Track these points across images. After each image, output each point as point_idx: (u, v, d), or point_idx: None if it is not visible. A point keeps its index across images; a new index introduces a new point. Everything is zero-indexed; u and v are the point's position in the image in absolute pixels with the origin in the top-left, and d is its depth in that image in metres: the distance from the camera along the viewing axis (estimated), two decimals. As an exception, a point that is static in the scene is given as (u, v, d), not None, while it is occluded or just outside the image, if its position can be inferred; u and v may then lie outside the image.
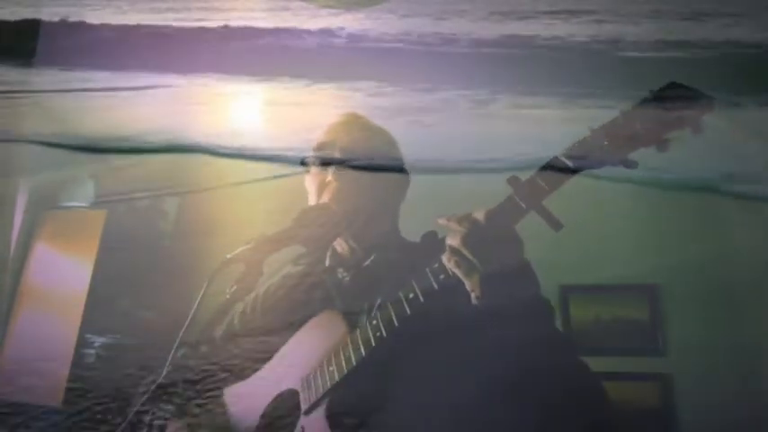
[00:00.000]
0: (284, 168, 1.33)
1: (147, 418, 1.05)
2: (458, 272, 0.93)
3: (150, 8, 1.67)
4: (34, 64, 1.64)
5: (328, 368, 1.01)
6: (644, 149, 0.89)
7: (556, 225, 0.92)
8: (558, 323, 1.81)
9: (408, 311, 0.96)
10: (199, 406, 1.10)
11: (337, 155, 1.19)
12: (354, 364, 0.98)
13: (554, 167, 0.92)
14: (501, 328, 0.92)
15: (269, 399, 1.07)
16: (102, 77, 1.58)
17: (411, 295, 0.97)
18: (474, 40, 1.50)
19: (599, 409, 0.99)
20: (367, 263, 1.15)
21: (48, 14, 1.68)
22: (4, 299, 2.00)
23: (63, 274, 2.05)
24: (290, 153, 1.28)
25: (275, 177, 1.39)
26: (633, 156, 0.89)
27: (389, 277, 1.03)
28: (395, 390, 0.96)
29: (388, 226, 1.22)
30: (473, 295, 0.93)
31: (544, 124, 0.93)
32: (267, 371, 1.12)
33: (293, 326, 1.12)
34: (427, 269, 0.97)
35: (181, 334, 1.06)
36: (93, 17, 1.67)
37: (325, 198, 1.16)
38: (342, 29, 1.57)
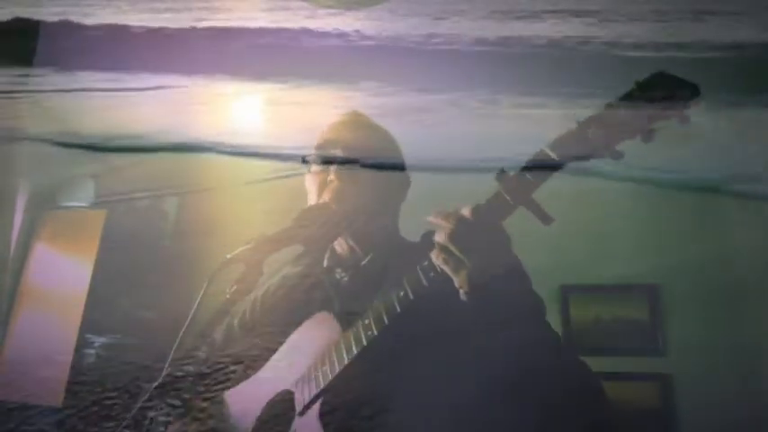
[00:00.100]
0: (285, 168, 1.33)
1: (150, 414, 1.05)
2: (446, 268, 0.93)
3: (150, 8, 1.67)
4: (34, 64, 1.64)
5: (321, 369, 1.01)
6: (630, 140, 0.89)
7: (546, 219, 0.92)
8: (558, 323, 1.82)
9: (399, 310, 0.96)
10: (206, 400, 1.11)
11: (339, 153, 1.19)
12: (346, 363, 0.98)
13: (540, 161, 0.92)
14: (492, 325, 0.92)
15: (266, 400, 1.08)
16: (101, 78, 1.58)
17: (402, 293, 0.97)
18: (474, 39, 1.50)
19: (598, 408, 0.99)
20: (364, 262, 1.15)
21: (47, 14, 1.68)
22: (4, 299, 2.00)
23: (63, 274, 2.05)
24: (290, 152, 1.28)
25: (275, 178, 1.39)
26: (620, 147, 0.89)
27: (388, 277, 1.03)
28: (389, 389, 0.96)
29: (389, 226, 1.22)
30: (461, 291, 0.93)
31: (544, 124, 0.93)
32: (264, 372, 1.12)
33: (293, 326, 1.12)
34: (418, 267, 0.97)
35: (181, 334, 1.06)
36: (93, 17, 1.67)
37: (326, 198, 1.16)
38: (342, 29, 1.57)
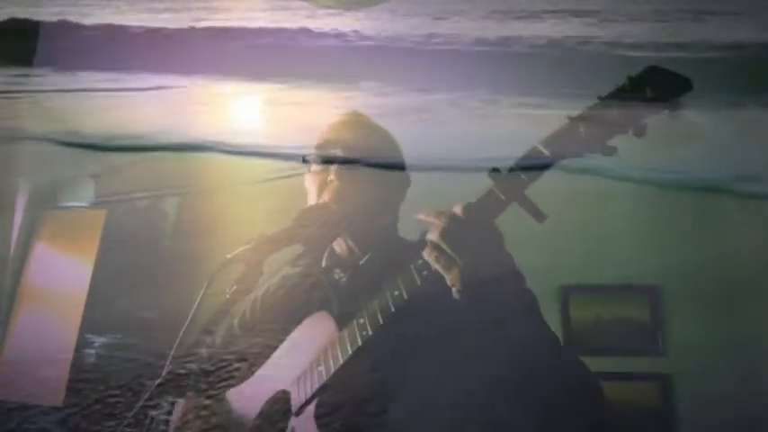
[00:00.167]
0: (285, 168, 1.33)
1: (151, 413, 1.05)
2: (438, 267, 0.93)
3: (149, 8, 1.67)
4: (34, 64, 1.64)
5: (318, 368, 1.01)
6: (623, 135, 0.88)
7: (539, 216, 0.92)
8: (558, 323, 1.82)
9: (393, 309, 0.96)
10: (209, 397, 1.11)
11: (339, 153, 1.19)
12: (341, 363, 0.98)
13: (533, 158, 0.91)
14: (486, 324, 0.92)
15: (264, 399, 1.08)
16: (101, 78, 1.58)
17: (396, 293, 0.97)
18: (474, 39, 1.50)
19: (598, 408, 0.98)
20: (362, 262, 1.15)
21: (47, 14, 1.68)
22: (4, 299, 2.00)
23: (63, 274, 2.05)
24: (291, 151, 1.28)
25: (276, 178, 1.39)
26: (612, 143, 0.89)
27: (386, 276, 1.03)
28: (384, 389, 0.96)
29: (388, 226, 1.22)
30: (454, 290, 0.93)
31: (545, 124, 0.93)
32: (263, 371, 1.12)
33: (293, 326, 1.12)
34: (411, 266, 0.97)
35: (181, 334, 1.06)
36: (93, 17, 1.67)
37: (326, 197, 1.16)
38: (342, 29, 1.57)
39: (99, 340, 1.79)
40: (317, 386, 1.00)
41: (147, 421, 1.04)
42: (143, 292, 1.78)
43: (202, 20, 1.64)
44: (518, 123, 1.31)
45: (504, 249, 0.98)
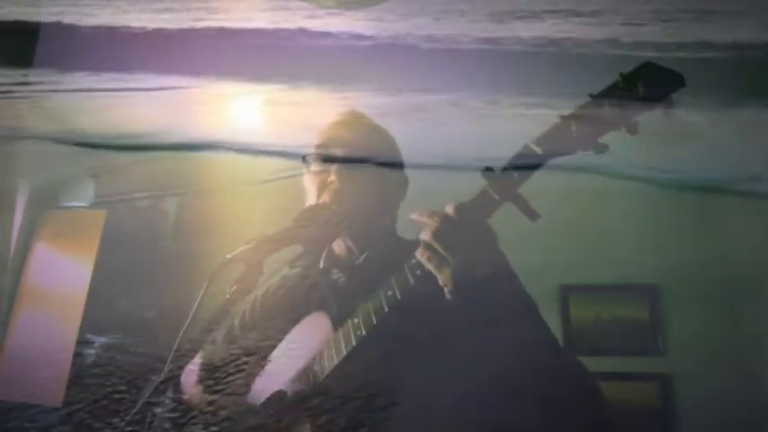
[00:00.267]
0: (286, 168, 1.33)
1: (153, 411, 1.06)
2: (430, 266, 0.93)
3: (150, 8, 1.67)
4: (34, 64, 1.64)
5: (313, 368, 1.01)
6: (615, 133, 0.88)
7: (533, 215, 0.91)
8: (558, 323, 1.82)
9: (386, 309, 0.96)
10: (216, 392, 1.11)
11: (339, 153, 1.19)
12: (336, 363, 0.98)
13: (525, 157, 0.91)
14: (478, 324, 0.92)
15: (262, 398, 1.08)
16: (101, 78, 1.58)
17: (389, 292, 0.97)
18: (474, 39, 1.50)
19: (597, 408, 0.98)
20: (359, 261, 1.15)
21: (47, 15, 1.68)
22: (4, 299, 2.00)
23: (63, 274, 2.05)
24: (293, 150, 1.28)
25: (277, 179, 1.39)
26: (604, 140, 0.88)
27: (384, 276, 1.03)
28: (380, 389, 0.96)
29: (387, 226, 1.22)
30: (446, 290, 0.93)
31: (545, 124, 0.93)
32: (262, 373, 1.12)
33: (292, 326, 1.12)
34: (405, 265, 0.97)
35: (181, 334, 1.06)
36: (93, 17, 1.67)
37: (326, 198, 1.16)
38: (342, 29, 1.57)
39: (99, 340, 1.79)
40: (312, 386, 1.00)
41: (149, 419, 1.04)
42: (143, 292, 1.78)
43: (202, 20, 1.64)
44: (518, 123, 1.31)
45: (497, 249, 0.98)
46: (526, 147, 0.91)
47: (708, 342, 1.70)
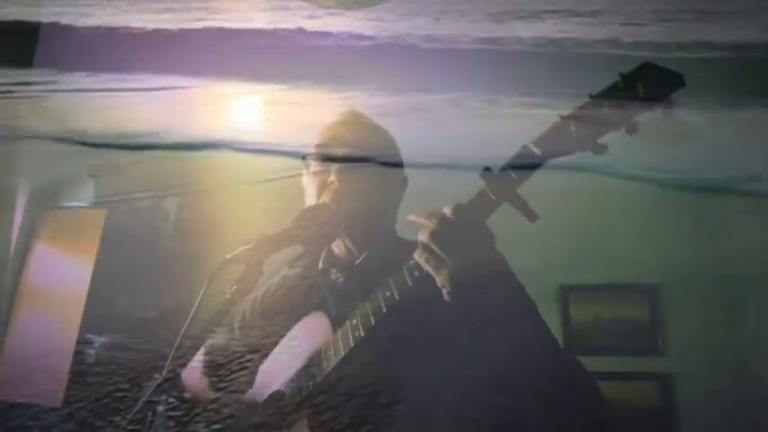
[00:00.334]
0: (285, 168, 1.33)
1: (152, 410, 1.06)
2: (428, 267, 0.93)
3: (150, 8, 1.67)
4: (34, 64, 1.64)
5: (312, 369, 1.01)
6: (614, 133, 0.88)
7: (531, 216, 0.91)
8: (558, 323, 1.82)
9: (385, 310, 0.96)
10: (219, 390, 1.11)
11: (339, 152, 1.19)
12: (334, 364, 0.98)
13: (524, 157, 0.91)
14: (477, 324, 0.92)
15: (260, 399, 1.08)
16: (101, 78, 1.58)
17: (388, 293, 0.97)
18: (474, 39, 1.50)
19: (597, 408, 0.98)
20: (359, 261, 1.15)
21: (47, 15, 1.68)
22: (4, 299, 2.00)
23: (63, 274, 2.05)
24: (294, 149, 1.28)
25: (278, 178, 1.39)
26: (603, 141, 0.88)
27: (383, 277, 1.03)
28: (377, 389, 0.96)
29: (387, 226, 1.22)
30: (444, 291, 0.93)
31: (545, 124, 0.93)
32: (260, 372, 1.12)
33: (291, 326, 1.13)
34: (403, 266, 0.97)
35: (181, 334, 1.06)
36: (93, 18, 1.67)
37: (326, 198, 1.16)
38: (342, 29, 1.57)
39: (99, 340, 1.79)
40: (310, 387, 1.00)
41: (149, 418, 1.04)
42: (143, 291, 1.78)
43: (202, 20, 1.64)
44: (518, 123, 1.31)
45: (494, 250, 0.97)
46: (525, 147, 0.91)
47: (708, 342, 1.70)
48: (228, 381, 1.12)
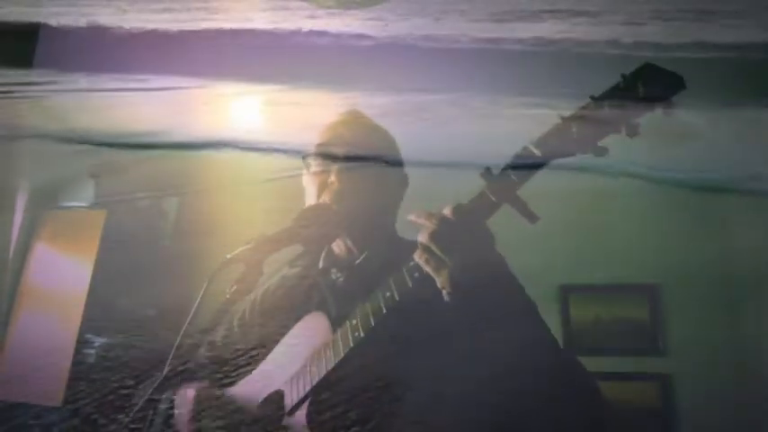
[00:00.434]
0: (286, 168, 1.33)
1: (157, 406, 1.06)
2: (428, 268, 0.93)
3: (150, 9, 1.67)
4: (34, 64, 1.64)
5: (311, 369, 1.01)
6: (615, 135, 0.88)
7: (531, 218, 0.91)
8: (558, 323, 1.83)
9: (385, 311, 0.96)
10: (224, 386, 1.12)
11: (339, 152, 1.19)
12: (334, 364, 0.98)
13: (524, 158, 0.91)
14: (477, 325, 0.92)
15: (259, 399, 1.08)
16: (101, 78, 1.58)
17: (387, 294, 0.96)
18: (474, 39, 1.50)
19: (597, 407, 0.99)
20: (359, 261, 1.15)
21: (47, 15, 1.68)
22: (4, 299, 2.00)
23: (63, 274, 2.05)
24: (296, 148, 1.28)
25: (278, 178, 1.39)
26: (604, 143, 0.88)
27: (383, 277, 1.03)
28: (376, 390, 0.96)
29: (387, 226, 1.22)
30: (444, 292, 0.93)
31: (545, 124, 0.93)
32: (260, 372, 1.12)
33: (291, 326, 1.13)
34: (403, 267, 0.97)
35: (181, 334, 1.06)
36: (93, 17, 1.67)
37: (326, 198, 1.16)
38: (342, 29, 1.57)
39: (99, 340, 1.79)
40: (309, 387, 1.00)
41: (150, 415, 1.04)
42: (143, 291, 1.78)
43: (202, 20, 1.64)
44: (518, 123, 1.31)
45: (494, 250, 0.97)
46: (525, 149, 0.91)
47: (708, 342, 1.70)
48: (234, 376, 1.12)
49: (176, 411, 1.09)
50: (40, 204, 2.13)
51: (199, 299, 1.07)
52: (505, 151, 0.95)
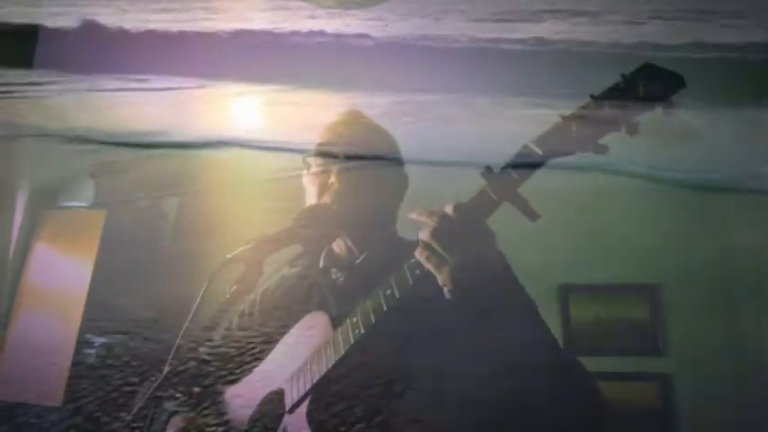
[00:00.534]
0: (286, 168, 1.33)
1: (153, 408, 1.06)
2: (429, 266, 0.93)
3: (150, 9, 1.67)
4: (34, 65, 1.64)
5: (311, 367, 1.02)
6: (615, 134, 0.88)
7: (532, 216, 0.91)
8: (558, 323, 1.83)
9: (385, 308, 0.96)
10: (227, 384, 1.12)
11: (339, 152, 1.19)
12: (334, 362, 0.98)
13: (525, 157, 0.91)
14: (478, 323, 0.92)
15: (260, 397, 1.08)
16: (101, 78, 1.58)
17: (388, 292, 0.97)
18: (474, 39, 1.50)
19: (597, 407, 0.99)
20: (359, 261, 1.15)
21: (47, 15, 1.68)
22: (4, 299, 2.00)
23: (63, 274, 2.05)
24: (298, 147, 1.28)
25: (279, 178, 1.39)
26: (604, 141, 0.88)
27: (383, 275, 1.03)
28: (377, 388, 0.97)
29: (387, 226, 1.22)
30: (445, 289, 0.93)
31: (545, 124, 0.93)
32: (260, 371, 1.12)
33: (291, 326, 1.13)
34: (404, 264, 0.97)
35: (181, 334, 1.06)
36: (93, 17, 1.67)
37: (326, 198, 1.16)
38: (342, 29, 1.57)
39: (99, 340, 1.79)
40: (309, 385, 1.00)
41: (151, 415, 1.04)
42: (143, 291, 1.78)
43: (202, 20, 1.64)
44: (518, 123, 1.31)
45: (495, 248, 0.98)
46: (526, 147, 0.91)
47: (708, 342, 1.70)
48: (239, 372, 1.12)
49: None
50: (40, 204, 2.13)
51: (199, 299, 1.07)
52: (506, 151, 0.95)
